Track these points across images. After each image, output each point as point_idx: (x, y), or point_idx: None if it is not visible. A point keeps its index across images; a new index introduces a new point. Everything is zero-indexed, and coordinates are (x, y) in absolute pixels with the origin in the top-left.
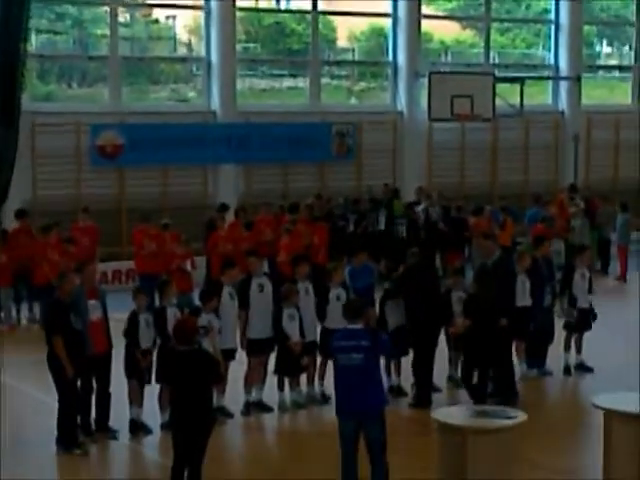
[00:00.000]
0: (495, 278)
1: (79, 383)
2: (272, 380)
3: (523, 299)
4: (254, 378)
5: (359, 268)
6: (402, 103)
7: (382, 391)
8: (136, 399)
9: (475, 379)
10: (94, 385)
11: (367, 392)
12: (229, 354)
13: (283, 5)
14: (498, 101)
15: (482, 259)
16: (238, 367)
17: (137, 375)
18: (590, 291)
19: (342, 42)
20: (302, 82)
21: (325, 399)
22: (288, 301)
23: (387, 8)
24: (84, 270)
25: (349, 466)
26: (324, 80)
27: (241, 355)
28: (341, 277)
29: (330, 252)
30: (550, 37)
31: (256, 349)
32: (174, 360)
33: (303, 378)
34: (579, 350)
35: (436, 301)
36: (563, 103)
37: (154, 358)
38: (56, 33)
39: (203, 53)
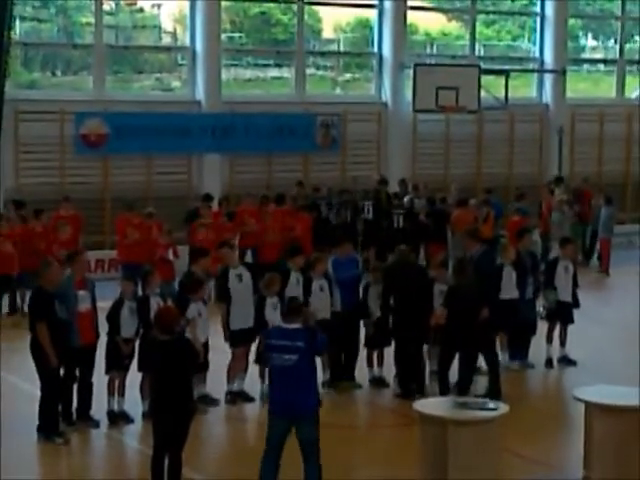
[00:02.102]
0: (476, 271)
1: (62, 372)
2: (254, 370)
3: (509, 291)
4: (236, 368)
5: (343, 259)
6: (387, 94)
7: (316, 392)
8: (117, 390)
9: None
10: (77, 374)
11: (300, 393)
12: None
13: None
14: (483, 93)
15: (461, 252)
16: (221, 356)
17: (118, 364)
18: (576, 284)
19: (327, 33)
20: (287, 72)
21: None
22: (270, 290)
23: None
24: (75, 260)
25: (270, 466)
26: (309, 70)
27: (224, 345)
28: (324, 268)
29: (315, 242)
30: (535, 30)
31: (238, 339)
32: (154, 349)
33: None
34: (563, 343)
35: (420, 294)
36: (548, 96)
37: (136, 347)
38: (40, 21)
39: (188, 42)
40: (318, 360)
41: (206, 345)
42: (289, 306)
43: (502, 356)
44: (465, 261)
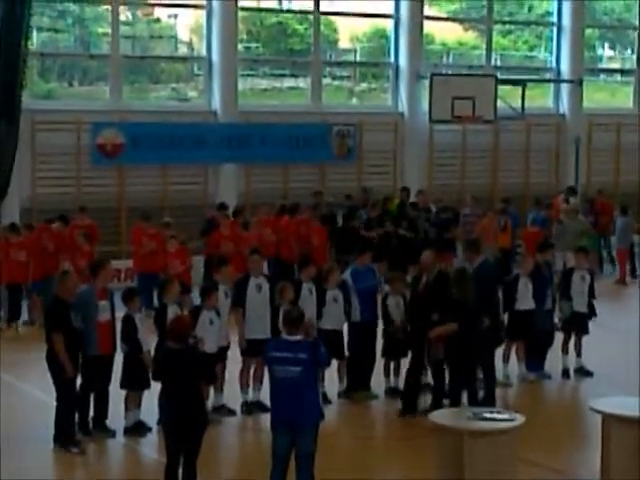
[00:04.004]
0: (476, 282)
1: (78, 382)
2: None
3: (525, 302)
4: (252, 378)
5: (362, 269)
6: (403, 104)
7: (318, 404)
8: (134, 405)
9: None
10: (94, 384)
11: (302, 405)
12: (222, 352)
13: (285, 5)
14: (499, 103)
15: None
16: (239, 366)
17: (136, 382)
18: (593, 295)
19: (344, 43)
20: (303, 82)
21: (325, 399)
22: (283, 299)
23: (389, 9)
24: (100, 269)
25: (277, 478)
26: (325, 81)
27: (235, 352)
28: (337, 279)
29: (337, 252)
30: (552, 40)
31: (253, 349)
32: (168, 358)
33: None
34: (579, 354)
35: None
36: (564, 106)
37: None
38: (57, 31)
39: (204, 52)
40: (333, 370)
41: (220, 354)
42: (290, 317)
43: (519, 367)
44: (465, 272)
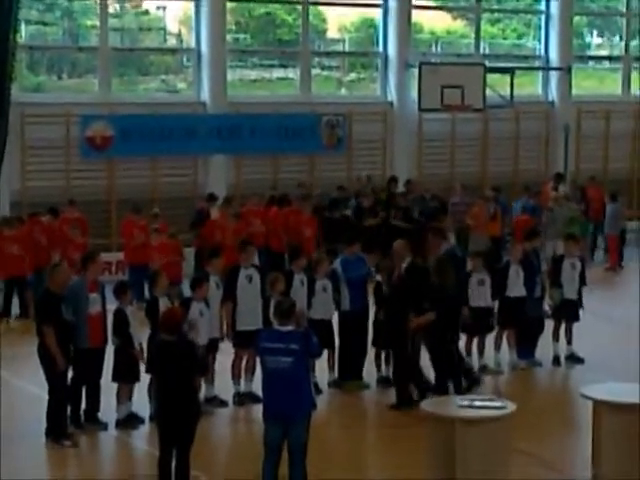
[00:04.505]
0: (440, 270)
1: (70, 374)
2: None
3: (516, 289)
4: (244, 369)
5: (352, 258)
6: (392, 94)
7: (310, 394)
8: (125, 397)
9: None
10: (86, 377)
11: (295, 396)
12: (213, 344)
13: None
14: (488, 92)
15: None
16: (231, 357)
17: (128, 375)
18: (584, 282)
19: (332, 33)
20: (292, 73)
21: (316, 389)
22: (275, 290)
23: None
24: (90, 262)
25: (269, 470)
26: (314, 71)
27: (227, 344)
28: (326, 269)
29: (328, 243)
30: (540, 28)
31: (245, 340)
32: (160, 349)
33: None
34: (569, 341)
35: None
36: (553, 94)
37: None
38: (46, 24)
39: (193, 44)
40: (324, 360)
41: (210, 345)
42: (281, 308)
43: (510, 355)
44: (445, 261)
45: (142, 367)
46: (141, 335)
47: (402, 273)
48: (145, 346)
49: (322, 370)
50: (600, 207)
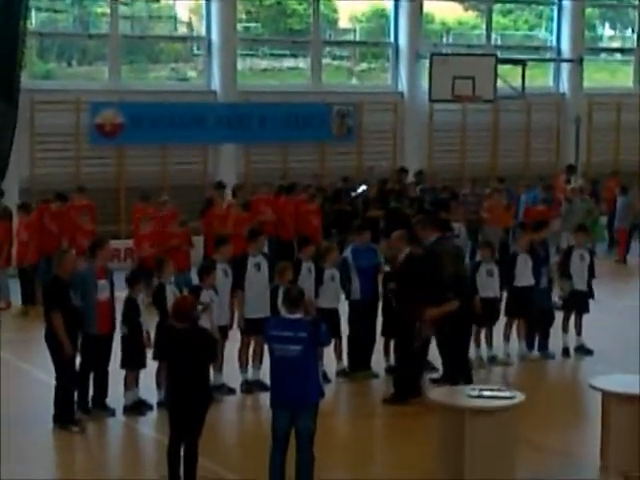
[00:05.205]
0: (430, 259)
1: (78, 360)
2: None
3: (524, 278)
4: (252, 357)
5: (362, 247)
6: (403, 84)
7: (318, 383)
8: (133, 384)
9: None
10: (94, 363)
11: (303, 384)
12: (222, 331)
13: None
14: (499, 83)
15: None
16: (237, 344)
17: (135, 361)
18: (593, 274)
19: (343, 23)
20: (303, 62)
21: (325, 378)
22: (283, 279)
23: None
24: (99, 249)
25: (277, 458)
26: (325, 60)
27: (236, 333)
28: (335, 258)
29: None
30: (552, 19)
31: (253, 328)
32: (172, 337)
33: None
34: (579, 332)
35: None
36: (565, 85)
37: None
38: (56, 11)
39: (204, 32)
40: (331, 349)
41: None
42: (289, 296)
43: (519, 345)
44: (458, 251)
45: (149, 354)
46: (149, 323)
47: (401, 263)
48: (153, 333)
49: (331, 359)
50: (612, 200)
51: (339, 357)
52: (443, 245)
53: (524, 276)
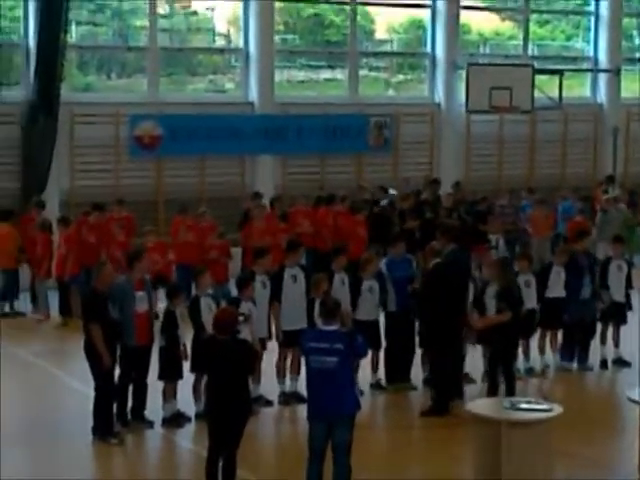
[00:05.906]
0: (446, 270)
1: (117, 372)
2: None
3: (556, 290)
4: (289, 369)
5: (398, 259)
6: (440, 95)
7: (355, 394)
8: (171, 396)
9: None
10: (132, 375)
11: (340, 396)
12: (260, 343)
13: None
14: (537, 93)
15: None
16: (274, 357)
17: (173, 373)
18: (630, 285)
19: (380, 34)
20: (340, 74)
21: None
22: (318, 291)
23: (426, 0)
24: (137, 260)
25: (314, 470)
26: (362, 72)
27: (273, 344)
28: (374, 269)
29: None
30: (589, 29)
31: (290, 340)
32: (213, 349)
33: None
34: (617, 344)
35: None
36: (602, 96)
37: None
38: (96, 24)
39: (241, 44)
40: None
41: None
42: (326, 307)
43: (554, 357)
44: (506, 262)
45: (186, 366)
46: (185, 335)
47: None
48: (189, 346)
49: (367, 371)
50: None
51: (374, 369)
52: (455, 256)
53: (556, 287)
